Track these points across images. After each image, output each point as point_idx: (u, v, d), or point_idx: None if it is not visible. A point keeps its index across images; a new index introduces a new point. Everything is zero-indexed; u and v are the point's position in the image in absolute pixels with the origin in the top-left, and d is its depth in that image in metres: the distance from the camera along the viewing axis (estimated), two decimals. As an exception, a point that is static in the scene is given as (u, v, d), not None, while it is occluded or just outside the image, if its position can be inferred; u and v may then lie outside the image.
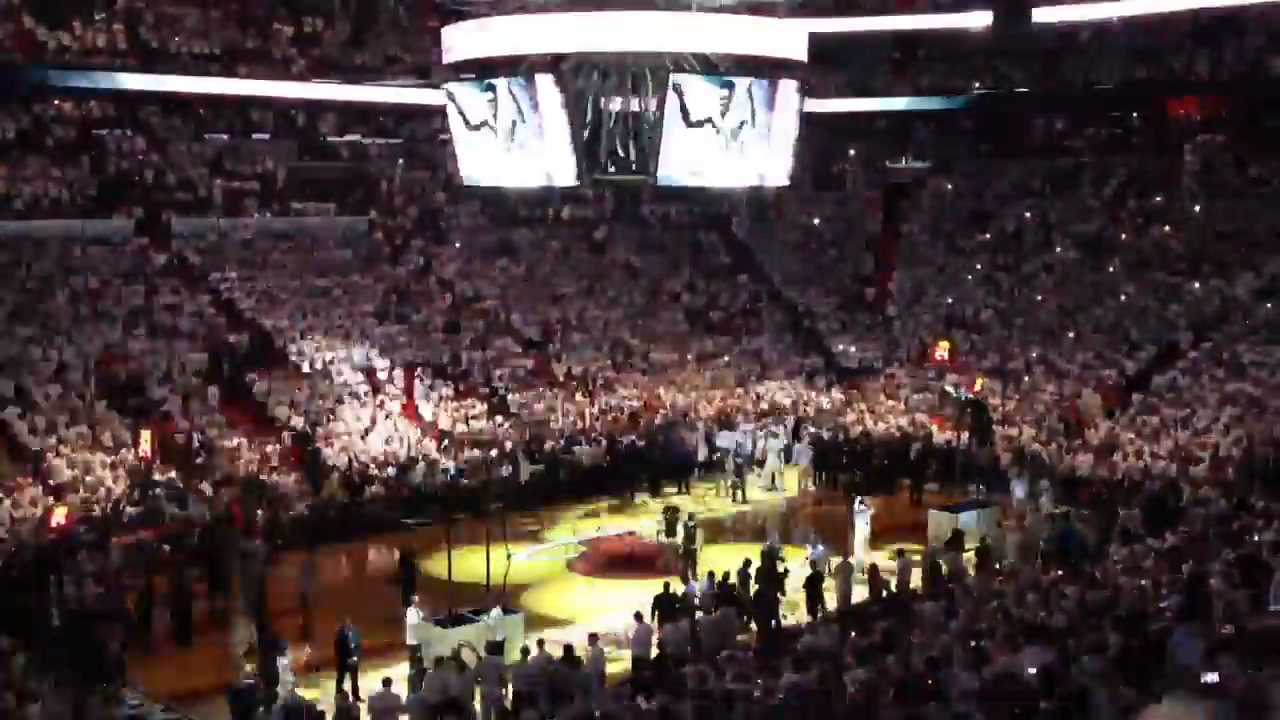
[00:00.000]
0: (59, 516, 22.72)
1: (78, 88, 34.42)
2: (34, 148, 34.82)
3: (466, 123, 16.53)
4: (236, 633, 19.91)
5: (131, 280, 32.80)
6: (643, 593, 19.67)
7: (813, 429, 32.15)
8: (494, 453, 29.26)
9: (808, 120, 16.74)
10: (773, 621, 19.54)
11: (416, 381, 32.32)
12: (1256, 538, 16.62)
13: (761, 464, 30.96)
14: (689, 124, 15.59)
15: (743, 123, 15.83)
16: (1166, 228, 39.67)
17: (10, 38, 34.58)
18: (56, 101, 35.98)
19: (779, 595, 20.12)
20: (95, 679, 17.05)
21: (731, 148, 15.95)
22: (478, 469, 28.27)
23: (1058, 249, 40.71)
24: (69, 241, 32.91)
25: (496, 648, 17.51)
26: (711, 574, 20.04)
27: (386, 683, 15.86)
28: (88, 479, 25.31)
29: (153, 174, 36.10)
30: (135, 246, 33.98)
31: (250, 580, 21.11)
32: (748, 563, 20.41)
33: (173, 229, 34.97)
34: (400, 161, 41.63)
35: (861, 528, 23.54)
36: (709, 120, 15.56)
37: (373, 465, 28.15)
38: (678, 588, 20.01)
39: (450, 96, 16.71)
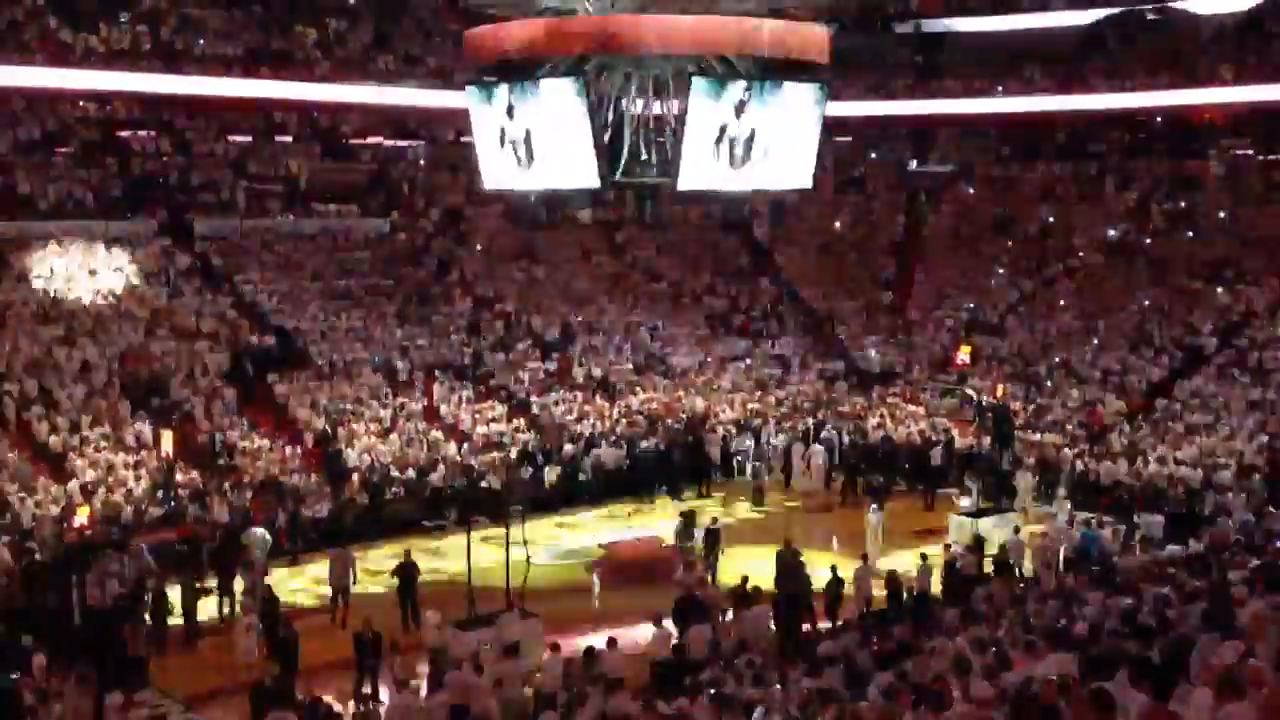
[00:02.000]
0: (81, 516, 22.80)
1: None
2: (59, 149, 35.03)
3: (487, 126, 16.52)
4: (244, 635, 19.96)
5: (155, 281, 32.94)
6: (662, 596, 19.63)
7: (833, 432, 32.01)
8: (514, 454, 29.30)
9: (829, 123, 16.69)
10: (793, 627, 19.49)
11: (436, 383, 32.36)
12: (1281, 545, 16.52)
13: (783, 468, 30.93)
14: (708, 128, 15.54)
15: (763, 127, 15.78)
16: (1190, 232, 39.46)
17: (35, 39, 34.83)
18: (81, 103, 36.21)
19: (800, 600, 20.06)
20: (116, 678, 17.10)
21: (750, 152, 15.90)
22: (498, 471, 28.28)
23: (1081, 253, 40.54)
24: (93, 242, 33.06)
25: (515, 650, 17.50)
26: (745, 578, 20.02)
27: (404, 684, 15.85)
28: (110, 479, 25.40)
29: (176, 175, 36.28)
30: (159, 247, 34.13)
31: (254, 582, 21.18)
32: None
33: (196, 230, 35.13)
34: (422, 163, 41.75)
35: (874, 532, 23.53)
36: (726, 125, 15.51)
37: (393, 467, 28.19)
38: (698, 592, 19.95)
39: (472, 99, 16.70)
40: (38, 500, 24.00)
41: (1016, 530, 23.46)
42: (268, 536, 23.30)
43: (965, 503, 26.69)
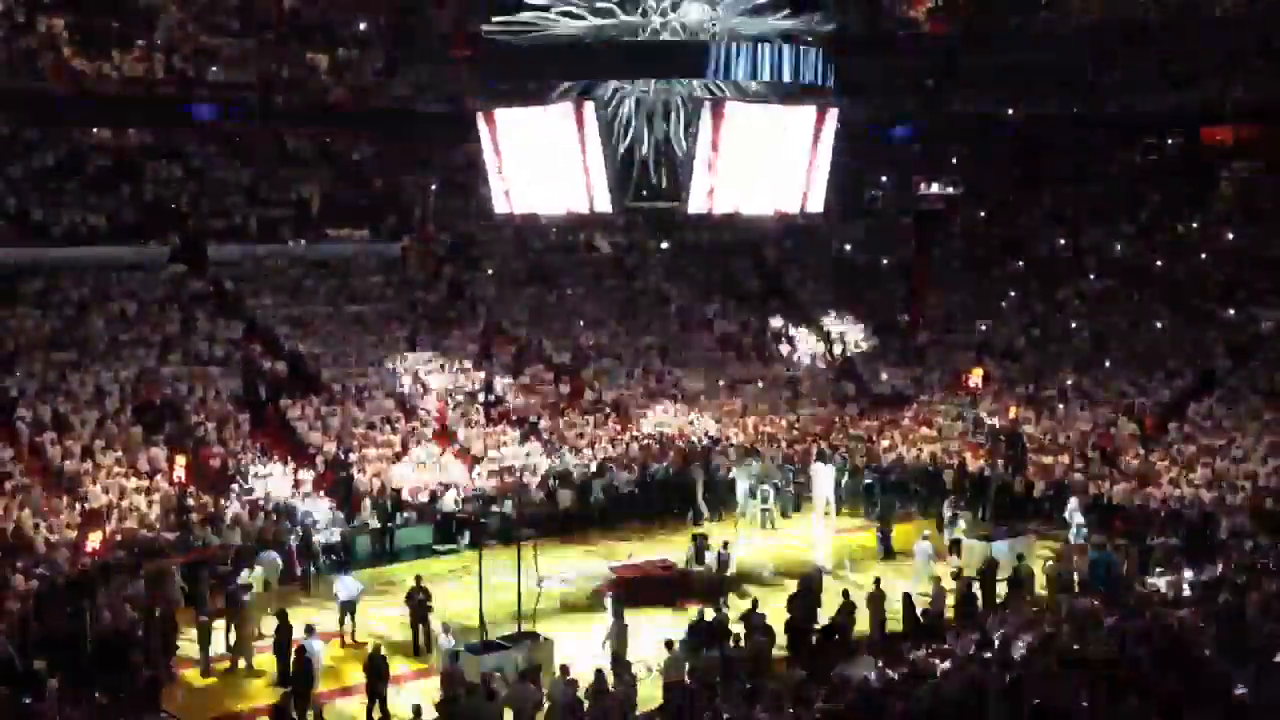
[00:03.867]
0: (94, 542, 22.83)
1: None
2: (72, 176, 35.24)
3: (499, 153, 16.60)
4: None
5: (168, 307, 33.09)
6: (674, 621, 19.59)
7: (844, 455, 31.94)
8: (525, 479, 29.28)
9: (839, 146, 16.75)
10: (806, 650, 19.42)
11: (448, 408, 32.39)
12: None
13: (794, 491, 30.87)
14: (719, 152, 15.60)
15: (774, 151, 15.86)
16: (1202, 254, 39.40)
17: (49, 67, 35.14)
18: (95, 130, 36.43)
19: (813, 624, 20.00)
20: (129, 703, 17.11)
21: (763, 176, 15.97)
22: (510, 495, 28.26)
23: (1091, 276, 40.50)
24: (106, 268, 33.27)
25: (527, 675, 17.47)
26: (756, 601, 19.99)
27: (416, 710, 15.81)
28: (123, 504, 25.45)
29: (189, 201, 36.44)
30: (171, 273, 34.28)
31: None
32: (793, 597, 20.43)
33: (209, 256, 35.28)
34: (433, 188, 41.88)
35: (922, 554, 23.65)
36: (739, 148, 15.58)
37: (405, 491, 28.20)
38: (710, 616, 19.89)
39: (483, 125, 16.80)
40: (51, 525, 24.04)
41: (1021, 557, 23.39)
42: (279, 560, 23.36)
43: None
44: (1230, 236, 39.46)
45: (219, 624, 20.80)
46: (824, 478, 30.55)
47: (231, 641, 20.42)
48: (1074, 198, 43.81)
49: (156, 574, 21.97)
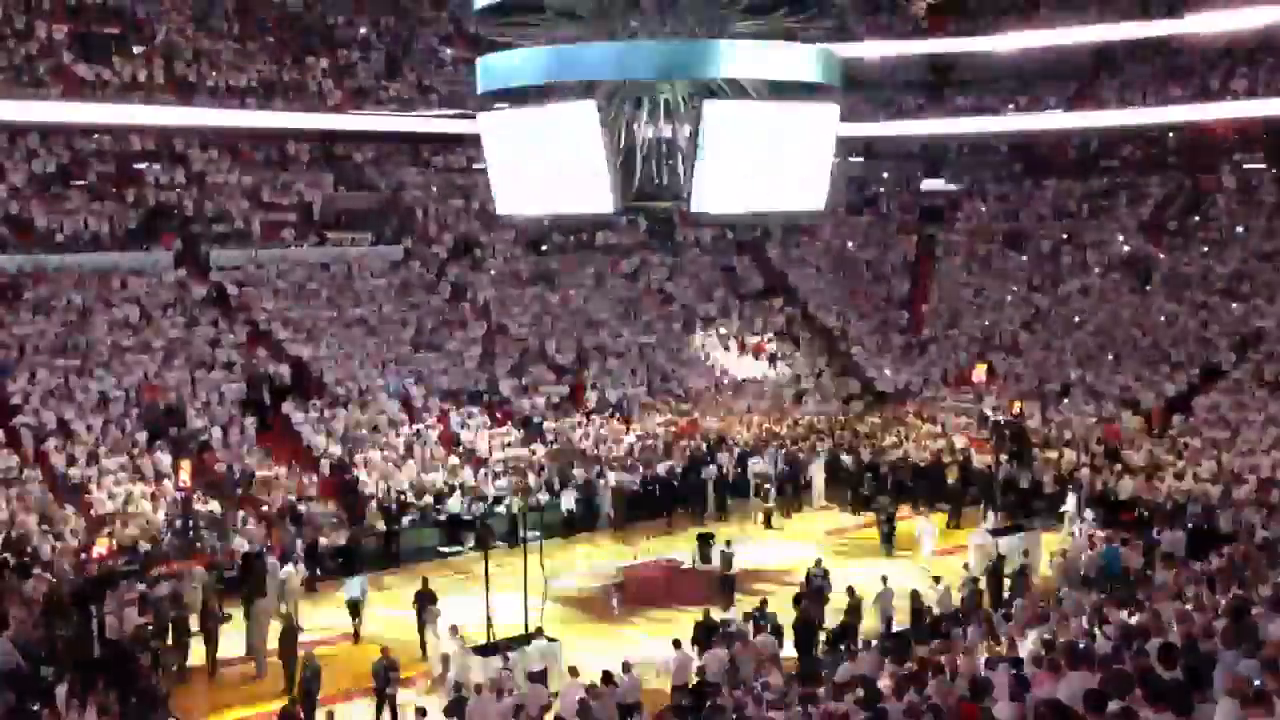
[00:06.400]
0: (100, 547, 22.85)
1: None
2: (74, 182, 35.24)
3: (500, 153, 16.55)
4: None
5: (170, 312, 33.10)
6: (681, 620, 19.57)
7: (848, 454, 31.93)
8: (530, 480, 29.29)
9: (841, 143, 16.69)
10: (812, 649, 19.41)
11: (452, 409, 32.40)
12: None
13: (797, 489, 30.87)
14: (720, 150, 15.56)
15: (775, 148, 15.79)
16: (1204, 247, 39.37)
17: (50, 73, 35.15)
18: (96, 136, 36.43)
19: (819, 622, 19.99)
20: (137, 709, 17.11)
21: (764, 174, 15.91)
22: (515, 496, 28.27)
23: (1095, 270, 40.47)
24: (109, 273, 33.27)
25: (535, 676, 17.46)
26: (763, 600, 20.00)
27: (422, 713, 15.81)
28: (128, 509, 25.45)
29: (191, 206, 36.44)
30: (174, 278, 34.29)
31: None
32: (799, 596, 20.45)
33: (211, 260, 35.28)
34: (435, 191, 41.87)
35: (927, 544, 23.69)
36: (741, 146, 15.52)
37: (409, 493, 28.20)
38: (717, 615, 19.88)
39: (484, 127, 16.75)
40: (57, 532, 24.05)
41: (1027, 553, 23.35)
42: (292, 570, 23.22)
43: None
44: (1236, 229, 39.40)
45: (225, 629, 20.85)
46: (823, 474, 30.64)
47: (245, 646, 20.48)
48: (1076, 191, 43.79)
49: (169, 579, 21.97)
